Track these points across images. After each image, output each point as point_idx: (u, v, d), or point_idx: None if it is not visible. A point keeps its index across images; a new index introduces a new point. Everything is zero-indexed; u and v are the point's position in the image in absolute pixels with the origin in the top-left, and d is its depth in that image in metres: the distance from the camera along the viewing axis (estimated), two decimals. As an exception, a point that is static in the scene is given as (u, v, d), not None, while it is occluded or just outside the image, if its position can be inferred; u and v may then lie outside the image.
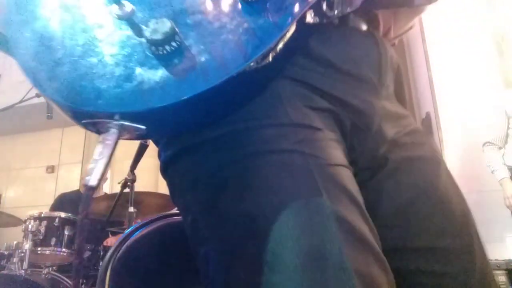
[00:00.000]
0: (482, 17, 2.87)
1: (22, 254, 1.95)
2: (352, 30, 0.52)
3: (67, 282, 1.98)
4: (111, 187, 4.36)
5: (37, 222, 2.11)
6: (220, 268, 0.41)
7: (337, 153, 0.45)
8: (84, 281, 2.25)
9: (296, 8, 0.39)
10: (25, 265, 1.90)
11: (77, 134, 4.90)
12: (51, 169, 4.90)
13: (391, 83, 0.56)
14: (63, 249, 2.13)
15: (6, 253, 2.19)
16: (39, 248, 2.06)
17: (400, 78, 0.58)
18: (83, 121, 0.37)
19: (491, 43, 2.86)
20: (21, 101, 2.38)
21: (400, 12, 0.58)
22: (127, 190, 2.06)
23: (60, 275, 2.00)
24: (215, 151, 0.43)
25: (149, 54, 0.34)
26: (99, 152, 0.35)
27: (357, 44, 0.52)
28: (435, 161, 0.53)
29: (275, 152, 0.41)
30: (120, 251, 0.70)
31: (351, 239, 0.39)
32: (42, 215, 2.15)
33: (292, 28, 0.40)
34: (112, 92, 0.34)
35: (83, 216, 0.33)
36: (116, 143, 0.37)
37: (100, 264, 2.27)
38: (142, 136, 0.39)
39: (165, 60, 0.34)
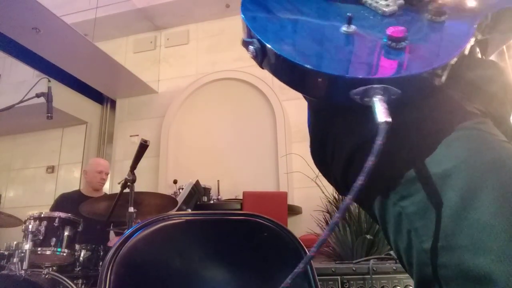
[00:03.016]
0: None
1: (22, 254, 1.95)
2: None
3: (67, 282, 1.98)
4: (111, 187, 4.37)
5: (37, 222, 2.11)
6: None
7: (500, 133, 0.53)
8: (84, 281, 2.25)
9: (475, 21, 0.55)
10: (25, 265, 1.90)
11: (77, 134, 4.91)
12: (51, 169, 4.90)
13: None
14: (63, 249, 2.13)
15: (6, 253, 2.18)
16: (39, 248, 2.06)
17: None
18: (354, 90, 0.47)
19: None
20: (21, 101, 2.38)
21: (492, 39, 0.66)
22: (127, 190, 2.06)
23: (60, 275, 2.00)
24: (419, 129, 0.52)
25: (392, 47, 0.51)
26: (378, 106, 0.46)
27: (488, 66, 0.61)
28: None
29: (463, 129, 0.50)
30: (121, 252, 0.70)
31: None
32: (42, 215, 2.15)
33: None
34: (377, 66, 0.49)
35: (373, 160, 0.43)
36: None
37: (100, 264, 2.27)
38: (395, 100, 0.48)
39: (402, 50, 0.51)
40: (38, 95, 2.36)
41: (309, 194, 3.46)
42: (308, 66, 0.47)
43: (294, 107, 4.15)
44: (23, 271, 1.88)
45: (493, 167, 0.46)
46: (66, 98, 4.49)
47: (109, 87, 4.82)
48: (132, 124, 4.81)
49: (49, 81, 2.42)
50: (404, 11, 0.56)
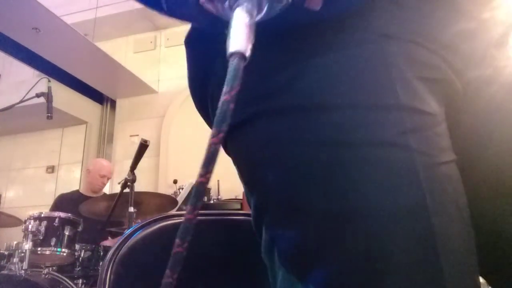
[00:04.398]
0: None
1: (22, 254, 1.95)
2: None
3: (67, 282, 1.98)
4: (111, 187, 4.36)
5: (37, 222, 2.11)
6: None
7: (446, 143, 0.36)
8: (84, 281, 2.25)
9: None
10: (25, 265, 1.90)
11: (77, 134, 4.90)
12: (51, 169, 4.89)
13: None
14: (63, 249, 2.13)
15: (6, 253, 2.18)
16: (39, 248, 2.06)
17: None
18: None
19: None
20: (21, 101, 2.38)
21: None
22: (127, 190, 2.05)
23: (60, 275, 2.00)
24: (291, 129, 0.34)
25: None
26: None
27: None
28: None
29: (372, 145, 0.33)
30: (121, 252, 0.69)
31: (452, 258, 0.33)
32: (42, 215, 2.15)
33: None
34: None
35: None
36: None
37: (100, 264, 2.27)
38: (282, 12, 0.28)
39: None
40: (38, 95, 2.36)
41: (309, 194, 3.45)
42: None
43: (294, 107, 4.14)
44: (23, 271, 1.88)
45: (407, 225, 0.32)
46: (66, 98, 4.48)
47: (109, 87, 4.82)
48: (132, 124, 4.81)
49: (49, 81, 2.42)
50: None
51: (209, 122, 0.52)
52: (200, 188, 0.26)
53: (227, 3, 0.27)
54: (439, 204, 0.33)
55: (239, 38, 0.25)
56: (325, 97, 0.34)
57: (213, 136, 0.25)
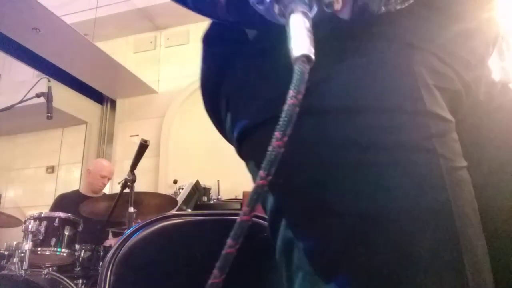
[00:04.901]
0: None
1: (22, 254, 1.95)
2: None
3: (67, 282, 1.98)
4: (111, 187, 4.36)
5: (37, 222, 2.11)
6: None
7: (460, 149, 0.37)
8: (84, 281, 2.25)
9: None
10: (25, 265, 1.90)
11: (77, 134, 4.90)
12: (51, 169, 4.90)
13: None
14: (63, 249, 2.13)
15: (6, 253, 2.18)
16: (39, 248, 2.06)
17: None
18: None
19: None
20: (21, 101, 2.38)
21: None
22: (127, 190, 2.05)
23: (60, 275, 2.00)
24: (318, 130, 0.34)
25: None
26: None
27: None
28: None
29: (400, 148, 0.34)
30: (121, 252, 0.69)
31: (472, 257, 0.34)
32: (42, 215, 2.15)
33: None
34: None
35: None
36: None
37: (100, 264, 2.27)
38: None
39: None
40: (38, 95, 2.36)
41: (309, 194, 3.45)
42: None
43: (294, 107, 4.14)
44: (23, 271, 1.88)
45: (433, 226, 0.33)
46: (66, 98, 4.49)
47: (109, 87, 4.82)
48: (132, 124, 4.81)
49: (49, 81, 2.42)
50: None
51: (216, 122, 0.53)
52: (260, 191, 0.26)
53: (276, 7, 0.27)
54: (460, 206, 0.34)
55: (302, 42, 0.25)
56: (352, 100, 0.35)
57: (277, 139, 0.25)
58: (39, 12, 3.31)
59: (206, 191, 3.74)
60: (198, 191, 3.06)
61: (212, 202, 3.76)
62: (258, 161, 0.36)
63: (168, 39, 5.00)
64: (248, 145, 0.43)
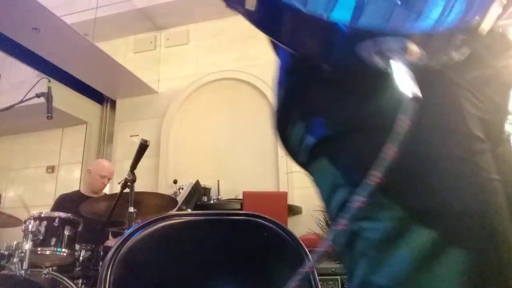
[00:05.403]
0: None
1: (22, 254, 1.95)
2: None
3: (67, 282, 1.98)
4: (111, 187, 4.36)
5: (37, 222, 2.11)
6: None
7: (494, 166, 0.47)
8: (84, 281, 2.25)
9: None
10: (25, 265, 1.90)
11: (77, 134, 4.90)
12: (51, 169, 4.90)
13: None
14: (63, 249, 2.13)
15: (6, 253, 2.18)
16: (39, 248, 2.06)
17: None
18: (365, 43, 0.37)
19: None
20: (21, 101, 2.38)
21: None
22: (127, 190, 2.05)
23: (60, 275, 2.00)
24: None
25: None
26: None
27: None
28: None
29: (453, 159, 0.44)
30: (121, 251, 0.70)
31: (507, 250, 0.43)
32: (42, 215, 2.15)
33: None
34: (400, 14, 0.39)
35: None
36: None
37: (100, 264, 2.27)
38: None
39: None
40: (38, 95, 2.36)
41: (309, 194, 3.44)
42: (310, 11, 0.38)
43: (294, 107, 4.15)
44: (23, 271, 1.88)
45: (477, 220, 0.42)
46: (66, 98, 4.49)
47: (109, 87, 4.82)
48: (132, 124, 4.81)
49: (49, 81, 2.42)
50: None
51: (283, 137, 0.60)
52: (371, 185, 0.34)
53: (377, 57, 0.37)
54: (497, 208, 0.44)
55: (409, 84, 0.34)
56: (430, 124, 0.45)
57: (388, 150, 0.33)
58: (39, 12, 3.31)
59: (206, 191, 3.74)
60: (198, 191, 3.06)
61: (212, 202, 3.76)
62: (338, 159, 0.50)
63: (168, 39, 5.01)
64: (328, 146, 0.51)
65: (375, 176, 0.34)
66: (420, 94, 0.35)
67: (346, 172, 0.49)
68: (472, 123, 0.46)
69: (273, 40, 0.46)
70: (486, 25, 0.42)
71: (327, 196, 0.53)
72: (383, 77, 0.38)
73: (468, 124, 0.46)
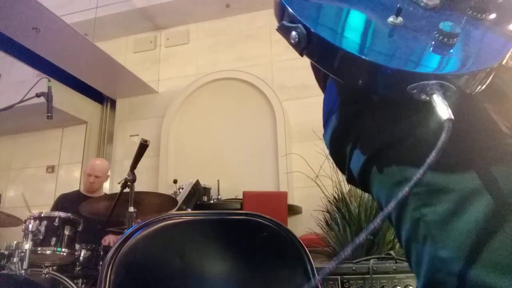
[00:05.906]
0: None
1: (22, 254, 1.95)
2: None
3: (67, 282, 1.98)
4: (111, 187, 4.37)
5: (37, 222, 2.11)
6: None
7: None
8: (84, 281, 2.25)
9: None
10: (25, 265, 1.90)
11: (77, 134, 4.91)
12: (51, 169, 4.90)
13: None
14: (63, 249, 2.13)
15: (6, 253, 2.18)
16: (39, 248, 2.06)
17: None
18: (412, 85, 0.47)
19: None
20: (21, 101, 2.38)
21: None
22: (127, 190, 2.05)
23: (60, 275, 2.00)
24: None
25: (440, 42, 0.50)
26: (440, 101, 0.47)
27: None
28: None
29: (495, 162, 0.50)
30: (121, 251, 0.70)
31: None
32: (42, 215, 2.15)
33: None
34: (437, 61, 0.49)
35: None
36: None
37: (100, 264, 2.27)
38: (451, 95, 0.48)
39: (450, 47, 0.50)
40: (38, 95, 2.36)
41: (309, 194, 3.46)
42: (369, 59, 0.46)
43: (294, 107, 4.15)
44: (23, 271, 1.88)
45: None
46: (66, 98, 4.49)
47: (109, 87, 4.82)
48: (132, 124, 4.81)
49: (49, 81, 2.42)
50: (443, 5, 0.55)
51: (339, 160, 0.69)
52: (425, 177, 0.43)
53: (423, 96, 0.47)
54: None
55: (447, 111, 0.44)
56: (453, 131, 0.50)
57: (433, 157, 0.42)
58: (39, 12, 3.31)
59: (206, 191, 3.74)
60: (198, 191, 3.06)
61: (212, 202, 3.76)
62: (391, 164, 0.58)
63: (168, 39, 5.01)
64: (380, 157, 0.59)
65: (426, 171, 0.42)
66: (452, 117, 0.43)
67: (402, 172, 0.56)
68: (501, 126, 0.53)
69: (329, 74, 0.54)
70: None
71: (386, 196, 0.60)
72: (421, 103, 0.47)
73: (498, 122, 0.53)
